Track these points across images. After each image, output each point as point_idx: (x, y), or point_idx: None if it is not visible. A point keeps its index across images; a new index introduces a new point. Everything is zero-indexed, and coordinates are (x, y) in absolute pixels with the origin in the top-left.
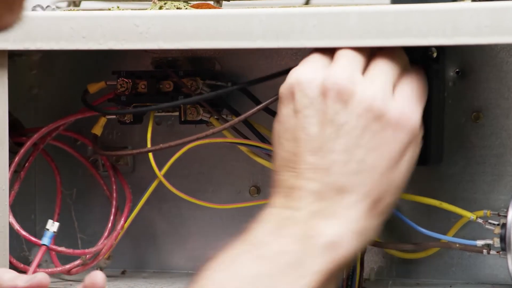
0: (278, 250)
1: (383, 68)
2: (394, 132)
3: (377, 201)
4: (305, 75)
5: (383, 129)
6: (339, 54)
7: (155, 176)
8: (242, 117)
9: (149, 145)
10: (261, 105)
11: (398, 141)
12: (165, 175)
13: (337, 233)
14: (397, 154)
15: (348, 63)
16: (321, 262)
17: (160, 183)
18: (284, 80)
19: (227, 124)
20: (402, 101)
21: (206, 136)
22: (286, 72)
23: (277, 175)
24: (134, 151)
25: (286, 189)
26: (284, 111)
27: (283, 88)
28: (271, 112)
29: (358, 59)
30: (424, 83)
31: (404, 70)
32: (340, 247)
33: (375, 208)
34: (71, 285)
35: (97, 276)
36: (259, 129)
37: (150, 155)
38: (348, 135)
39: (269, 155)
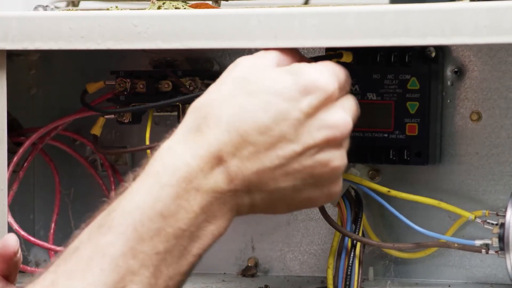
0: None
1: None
2: (323, 198)
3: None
4: (327, 85)
5: (321, 192)
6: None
7: None
8: None
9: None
10: None
11: (317, 202)
12: None
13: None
14: (301, 206)
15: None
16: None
17: None
18: None
19: None
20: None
21: None
22: None
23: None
24: (132, 149)
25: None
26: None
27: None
28: None
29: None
30: None
31: None
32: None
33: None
34: None
35: (9, 239)
36: None
37: (149, 154)
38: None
39: None
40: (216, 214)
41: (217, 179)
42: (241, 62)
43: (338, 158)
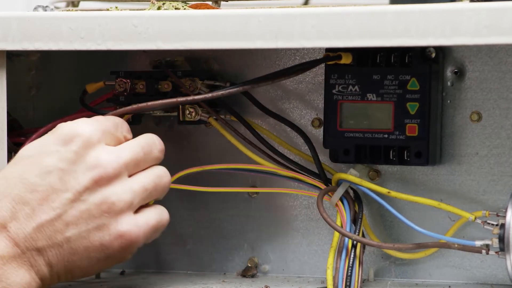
0: None
1: (154, 182)
2: (115, 239)
3: (65, 271)
4: (84, 131)
5: (109, 234)
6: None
7: None
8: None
9: None
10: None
11: (112, 246)
12: None
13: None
14: (102, 254)
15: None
16: None
17: None
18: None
19: None
20: (140, 220)
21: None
22: (284, 72)
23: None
24: None
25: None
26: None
27: (68, 129)
28: (272, 113)
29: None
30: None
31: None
32: None
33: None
34: (70, 285)
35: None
36: (258, 130)
37: None
38: (73, 209)
39: (269, 156)
40: (12, 279)
41: (2, 246)
42: (29, 145)
43: (113, 195)
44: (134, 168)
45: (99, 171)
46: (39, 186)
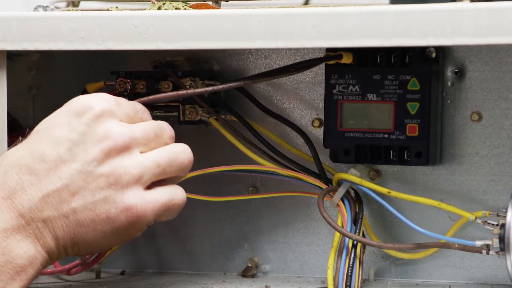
0: None
1: (174, 162)
2: (121, 212)
3: (71, 244)
4: (95, 104)
5: (115, 207)
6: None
7: None
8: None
9: None
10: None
11: (119, 219)
12: None
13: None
14: (108, 228)
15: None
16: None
17: None
18: (281, 79)
19: None
20: (149, 195)
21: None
22: (285, 69)
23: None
24: None
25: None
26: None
27: (83, 101)
28: (272, 114)
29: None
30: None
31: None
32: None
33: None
34: (70, 285)
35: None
36: (259, 130)
37: None
38: (85, 182)
39: (269, 156)
40: (15, 251)
41: (6, 218)
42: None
43: (120, 167)
44: (144, 146)
45: (108, 143)
46: (47, 156)
